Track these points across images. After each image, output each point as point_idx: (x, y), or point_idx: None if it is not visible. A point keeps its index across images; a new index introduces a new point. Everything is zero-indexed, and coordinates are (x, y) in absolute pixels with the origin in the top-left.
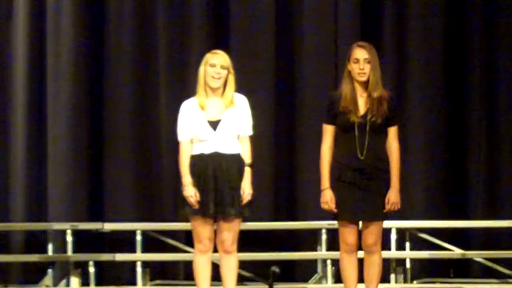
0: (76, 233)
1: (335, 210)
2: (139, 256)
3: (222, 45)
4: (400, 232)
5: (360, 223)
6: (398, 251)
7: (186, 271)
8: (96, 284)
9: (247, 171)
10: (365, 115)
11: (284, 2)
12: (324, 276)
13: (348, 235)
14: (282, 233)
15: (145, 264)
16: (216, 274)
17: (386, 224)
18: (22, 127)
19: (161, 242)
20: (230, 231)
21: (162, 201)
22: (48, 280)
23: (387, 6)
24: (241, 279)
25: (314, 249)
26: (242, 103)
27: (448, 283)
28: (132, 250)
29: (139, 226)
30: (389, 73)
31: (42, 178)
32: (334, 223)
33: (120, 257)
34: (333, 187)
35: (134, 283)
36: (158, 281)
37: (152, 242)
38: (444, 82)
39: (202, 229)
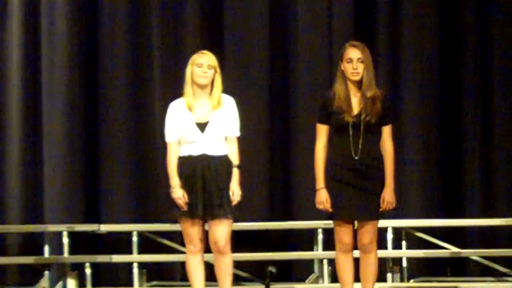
0: (72, 235)
1: (330, 210)
2: (135, 257)
3: (216, 46)
4: (397, 231)
5: (356, 222)
6: (394, 250)
7: (183, 271)
8: (93, 286)
9: (235, 172)
10: (359, 115)
11: (278, 2)
12: (321, 275)
13: (343, 234)
14: (279, 233)
15: (142, 265)
16: (212, 275)
17: (382, 223)
18: (18, 128)
19: (157, 243)
20: (221, 232)
21: (158, 202)
22: (44, 282)
23: (381, 6)
24: (237, 279)
25: (310, 249)
26: (229, 104)
27: (444, 282)
28: (129, 251)
29: (135, 227)
30: (384, 72)
31: (38, 180)
32: (330, 223)
33: (116, 258)
34: (328, 187)
35: (131, 284)
36: (154, 282)
37: (148, 243)
38: (439, 81)
39: (191, 231)
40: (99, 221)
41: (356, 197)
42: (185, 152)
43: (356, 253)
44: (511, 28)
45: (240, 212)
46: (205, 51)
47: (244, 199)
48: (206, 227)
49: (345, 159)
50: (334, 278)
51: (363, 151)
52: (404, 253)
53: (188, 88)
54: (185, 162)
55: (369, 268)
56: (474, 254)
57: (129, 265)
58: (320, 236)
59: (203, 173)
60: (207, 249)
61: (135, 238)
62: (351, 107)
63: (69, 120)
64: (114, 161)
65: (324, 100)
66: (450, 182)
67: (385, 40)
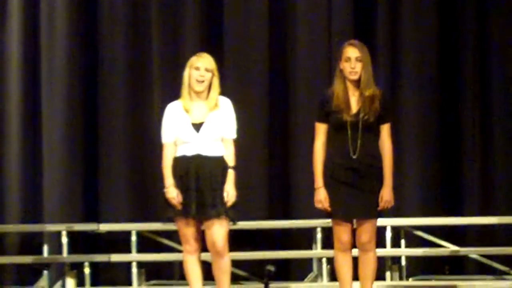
0: (71, 234)
1: (329, 209)
2: (134, 256)
3: (215, 47)
4: (395, 229)
5: (354, 221)
6: (393, 248)
7: (181, 271)
8: (92, 285)
9: (231, 173)
10: (357, 114)
11: (277, 2)
12: (320, 274)
13: (342, 233)
14: (277, 232)
15: (141, 264)
16: (210, 274)
17: (381, 221)
18: (17, 128)
19: (156, 242)
20: (218, 233)
21: (156, 201)
22: (43, 281)
23: (380, 4)
24: (236, 278)
25: (309, 247)
26: (226, 106)
27: (443, 280)
28: (128, 250)
29: (134, 227)
30: (383, 70)
31: (37, 180)
32: (329, 222)
33: (115, 257)
34: (327, 185)
35: (130, 284)
36: (153, 282)
37: (147, 243)
38: (438, 80)
39: (186, 230)
40: (98, 220)
41: (355, 196)
42: (180, 153)
43: (355, 252)
44: (510, 27)
45: (235, 213)
46: (203, 54)
47: (243, 198)
48: (203, 227)
49: (343, 158)
50: (333, 277)
51: (361, 150)
52: (403, 251)
53: (185, 90)
54: (179, 162)
55: (368, 267)
56: (472, 252)
57: (128, 264)
58: (318, 235)
59: (197, 173)
60: (205, 248)
61: (134, 238)
62: (350, 106)
63: (68, 120)
64: (113, 161)
65: (323, 98)
66: (449, 181)
67: (384, 39)
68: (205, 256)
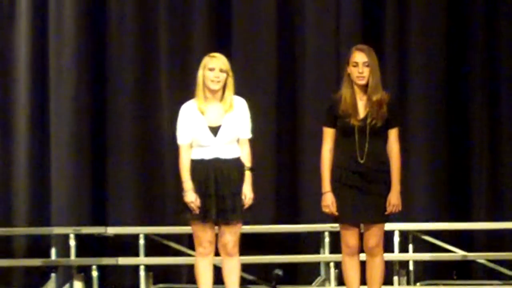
0: (79, 237)
1: (336, 213)
2: (142, 260)
3: (223, 47)
4: (403, 234)
5: (362, 225)
6: (401, 253)
7: (189, 274)
8: None
9: (248, 175)
10: (365, 119)
11: (285, 3)
12: (327, 278)
13: (349, 238)
14: (285, 236)
15: (148, 268)
16: (218, 278)
17: (389, 226)
18: (25, 131)
19: (164, 245)
20: (231, 234)
21: (164, 204)
22: (51, 284)
23: (388, 7)
24: (244, 282)
25: (317, 252)
26: (241, 106)
27: (451, 285)
28: (135, 254)
29: (142, 230)
30: (390, 74)
31: (45, 183)
32: (336, 226)
33: (123, 261)
34: (334, 190)
35: (137, 287)
36: (161, 285)
37: (155, 246)
38: (446, 83)
39: (202, 234)
40: (106, 223)
41: (362, 200)
42: (197, 156)
43: (363, 256)
44: None
45: (251, 215)
46: (217, 54)
47: (255, 203)
48: (216, 230)
49: (351, 163)
50: (340, 281)
51: (369, 154)
52: (411, 256)
53: (199, 91)
54: (197, 166)
55: (376, 271)
56: (480, 257)
57: (136, 267)
58: (326, 239)
59: (216, 177)
60: (215, 252)
61: (141, 241)
62: (357, 111)
63: (76, 122)
64: (121, 164)
65: (331, 103)
66: (457, 185)
67: (392, 42)
68: (214, 260)
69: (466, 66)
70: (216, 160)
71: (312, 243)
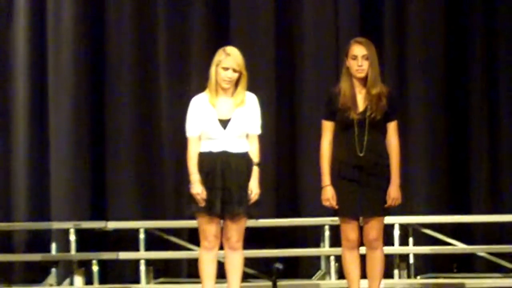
0: (79, 232)
1: (336, 207)
2: (142, 254)
3: (222, 43)
4: (403, 227)
5: (361, 219)
6: (401, 246)
7: (189, 268)
8: (100, 283)
9: (255, 170)
10: (364, 112)
11: None
12: (328, 272)
13: (349, 231)
14: (285, 230)
15: (149, 262)
16: (220, 272)
17: (389, 219)
18: (24, 127)
19: (164, 240)
20: (236, 228)
21: (164, 199)
22: (51, 279)
23: (387, 1)
24: (244, 276)
25: (317, 245)
26: (252, 102)
27: (451, 278)
28: (136, 248)
29: (142, 225)
30: (390, 68)
31: (44, 177)
32: (336, 220)
33: (123, 255)
34: (334, 184)
35: (138, 282)
36: (161, 279)
37: (155, 240)
38: (445, 77)
39: (208, 227)
40: (106, 218)
41: (362, 193)
42: (205, 148)
43: (363, 250)
44: None
45: (257, 210)
46: (232, 51)
47: (261, 198)
48: (221, 224)
49: (350, 156)
50: (341, 275)
51: (368, 148)
52: (411, 249)
53: (212, 85)
54: (205, 158)
55: (376, 265)
56: (480, 250)
57: (136, 262)
58: (327, 233)
59: (223, 170)
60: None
61: (142, 235)
62: (356, 104)
63: (75, 117)
64: (121, 159)
65: (330, 96)
66: (457, 179)
67: (391, 36)
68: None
69: (465, 58)
70: (224, 153)
71: (312, 236)
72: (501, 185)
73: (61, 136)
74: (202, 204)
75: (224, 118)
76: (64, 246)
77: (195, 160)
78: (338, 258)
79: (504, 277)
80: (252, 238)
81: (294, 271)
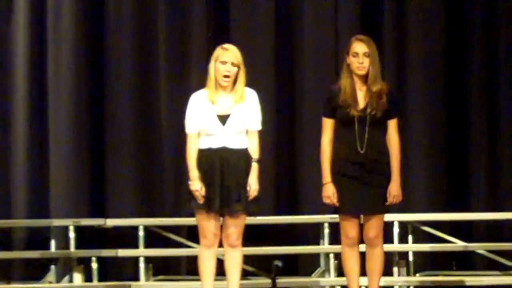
0: (78, 229)
1: (337, 204)
2: (141, 251)
3: (222, 41)
4: (403, 225)
5: (361, 216)
6: (400, 244)
7: (189, 266)
8: (99, 280)
9: (254, 167)
10: (364, 109)
11: None
12: (327, 270)
13: (349, 228)
14: (285, 227)
15: (148, 259)
16: (220, 269)
17: (389, 217)
18: (24, 124)
19: (163, 237)
20: (235, 226)
21: (164, 196)
22: (51, 276)
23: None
24: (244, 274)
25: (316, 243)
26: (252, 98)
27: (450, 276)
28: (135, 245)
29: (141, 222)
30: (390, 66)
31: (44, 174)
32: (336, 217)
33: (122, 252)
34: (334, 181)
35: (137, 279)
36: (160, 277)
37: (154, 238)
38: (445, 74)
39: (207, 224)
40: (105, 215)
41: (362, 191)
42: (204, 145)
43: (362, 247)
44: None
45: (256, 207)
46: (229, 46)
47: (260, 195)
48: (220, 221)
49: (351, 153)
50: (340, 272)
51: (368, 145)
52: (411, 247)
53: (211, 82)
54: (204, 155)
55: (375, 262)
56: (480, 248)
57: (135, 259)
58: (326, 230)
59: (222, 166)
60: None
61: (141, 233)
62: (357, 101)
63: (75, 115)
64: (120, 156)
65: (330, 94)
66: (456, 176)
67: (391, 34)
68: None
69: (465, 55)
70: (223, 150)
71: (311, 234)
72: (500, 183)
73: (60, 134)
74: (201, 201)
75: (223, 114)
76: (63, 243)
77: (194, 157)
78: (338, 256)
79: (503, 274)
80: (252, 236)
81: (294, 268)
